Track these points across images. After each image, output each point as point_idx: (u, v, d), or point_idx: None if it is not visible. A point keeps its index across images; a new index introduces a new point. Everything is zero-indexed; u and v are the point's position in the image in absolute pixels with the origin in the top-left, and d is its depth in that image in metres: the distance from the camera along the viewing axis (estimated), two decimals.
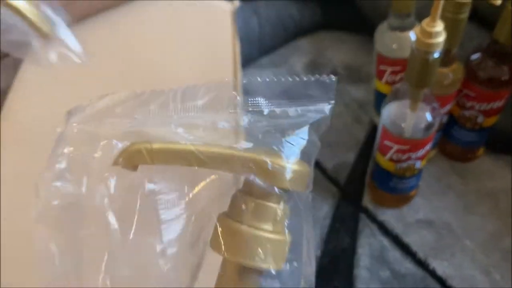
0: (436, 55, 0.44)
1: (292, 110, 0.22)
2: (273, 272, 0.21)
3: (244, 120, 0.22)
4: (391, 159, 0.54)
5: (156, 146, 0.21)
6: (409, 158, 0.53)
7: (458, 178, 0.64)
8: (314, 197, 0.63)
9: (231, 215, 0.21)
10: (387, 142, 0.53)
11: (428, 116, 0.51)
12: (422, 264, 0.56)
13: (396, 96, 0.51)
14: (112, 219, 0.21)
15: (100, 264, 0.22)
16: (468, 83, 0.57)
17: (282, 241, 0.22)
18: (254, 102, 0.22)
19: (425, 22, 0.43)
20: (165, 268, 0.22)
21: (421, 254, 0.57)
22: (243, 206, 0.21)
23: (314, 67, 0.81)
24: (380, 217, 0.61)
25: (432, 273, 0.55)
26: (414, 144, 0.52)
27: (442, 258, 0.56)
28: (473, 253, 0.57)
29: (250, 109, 0.22)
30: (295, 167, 0.21)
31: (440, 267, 0.56)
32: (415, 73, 0.46)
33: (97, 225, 0.22)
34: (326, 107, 0.23)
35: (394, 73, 0.62)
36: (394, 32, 0.59)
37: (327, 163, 0.67)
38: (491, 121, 0.60)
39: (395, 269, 0.56)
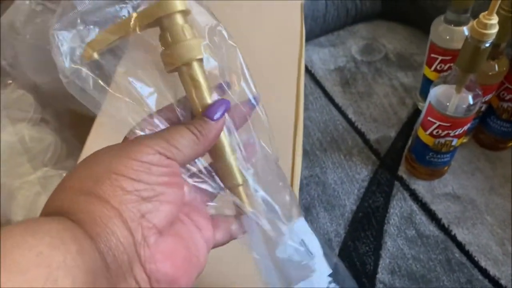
0: (487, 44, 0.52)
1: None
2: (204, 57, 0.32)
3: None
4: (431, 134, 0.62)
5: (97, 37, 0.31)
6: (447, 135, 0.61)
7: (487, 163, 0.71)
8: (356, 163, 0.72)
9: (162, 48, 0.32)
10: (430, 118, 0.61)
11: (470, 99, 0.58)
12: (444, 229, 0.64)
13: (445, 80, 0.59)
14: None
15: None
16: (511, 77, 0.64)
17: (198, 39, 0.32)
18: None
19: (483, 14, 0.51)
20: None
21: (445, 221, 0.65)
22: (163, 38, 0.32)
23: (367, 51, 0.89)
24: (412, 186, 0.69)
25: (453, 238, 0.63)
26: (454, 122, 0.59)
27: (463, 227, 0.64)
28: (491, 227, 0.64)
29: None
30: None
31: (460, 234, 0.64)
32: (466, 58, 0.54)
33: None
34: None
35: (443, 62, 0.70)
36: (449, 26, 0.67)
37: (370, 135, 0.76)
38: None
39: (420, 230, 0.64)
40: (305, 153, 0.74)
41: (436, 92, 0.60)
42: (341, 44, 0.91)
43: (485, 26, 0.50)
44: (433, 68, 0.71)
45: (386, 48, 0.89)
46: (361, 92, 0.82)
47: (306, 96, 0.82)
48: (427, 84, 0.72)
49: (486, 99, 0.66)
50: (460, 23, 0.66)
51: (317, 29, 0.89)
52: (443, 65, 0.70)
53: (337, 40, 0.92)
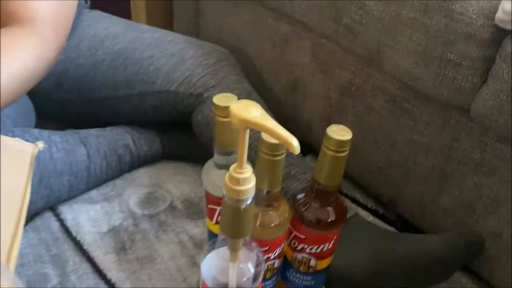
0: (248, 201, 0.40)
1: None
2: None
3: None
4: None
5: None
6: None
7: None
8: None
9: None
10: None
11: (251, 266, 0.45)
12: None
13: (215, 245, 0.46)
14: None
15: None
16: (296, 224, 0.54)
17: None
18: None
19: (233, 168, 0.40)
20: None
21: None
22: None
23: (149, 201, 0.74)
24: None
25: None
26: None
27: None
28: None
29: None
30: None
31: None
32: (230, 222, 0.42)
33: None
34: None
35: None
36: (221, 170, 0.56)
37: None
38: (325, 263, 0.56)
39: None
40: None
41: (207, 267, 0.46)
42: (117, 197, 0.74)
43: (239, 181, 0.39)
44: (214, 220, 0.59)
45: (172, 195, 0.76)
46: (142, 257, 0.65)
47: (66, 275, 0.61)
48: (213, 238, 0.59)
49: (277, 253, 0.54)
50: (230, 166, 0.56)
51: (81, 184, 0.71)
52: None
53: (113, 192, 0.75)
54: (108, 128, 0.77)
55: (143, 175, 0.79)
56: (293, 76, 0.81)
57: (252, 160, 0.49)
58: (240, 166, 0.39)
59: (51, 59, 0.59)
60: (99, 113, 0.80)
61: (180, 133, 0.81)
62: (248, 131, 0.37)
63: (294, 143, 0.34)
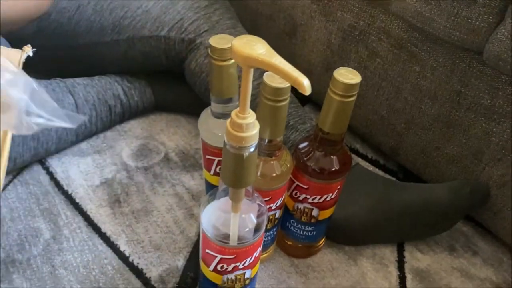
0: (252, 149, 0.37)
1: None
2: None
3: None
4: (216, 270, 0.45)
5: None
6: (236, 269, 0.45)
7: (299, 277, 0.57)
8: None
9: None
10: (209, 251, 0.44)
11: (253, 217, 0.43)
12: None
13: (215, 195, 0.43)
14: None
15: None
16: (298, 174, 0.51)
17: None
18: None
19: (235, 112, 0.36)
20: None
21: None
22: None
23: (143, 153, 0.71)
24: None
25: None
26: (240, 253, 0.43)
27: None
28: None
29: None
30: None
31: None
32: (232, 171, 0.39)
33: None
34: None
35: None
36: (219, 119, 0.53)
37: (152, 271, 0.56)
38: (327, 213, 0.55)
39: None
40: None
41: (208, 217, 0.43)
42: (109, 149, 0.71)
43: (242, 127, 0.36)
44: (212, 171, 0.56)
45: (166, 147, 0.73)
46: (137, 210, 0.63)
47: (59, 229, 0.59)
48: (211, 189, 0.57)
49: (278, 204, 0.52)
50: (229, 115, 0.52)
51: (70, 136, 0.68)
52: None
53: (104, 144, 0.72)
54: (96, 77, 0.73)
55: (135, 126, 0.76)
56: (291, 20, 0.77)
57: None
58: (243, 110, 0.36)
59: None
60: (84, 61, 0.75)
61: (172, 82, 0.77)
62: (252, 70, 0.34)
63: (305, 82, 0.31)
